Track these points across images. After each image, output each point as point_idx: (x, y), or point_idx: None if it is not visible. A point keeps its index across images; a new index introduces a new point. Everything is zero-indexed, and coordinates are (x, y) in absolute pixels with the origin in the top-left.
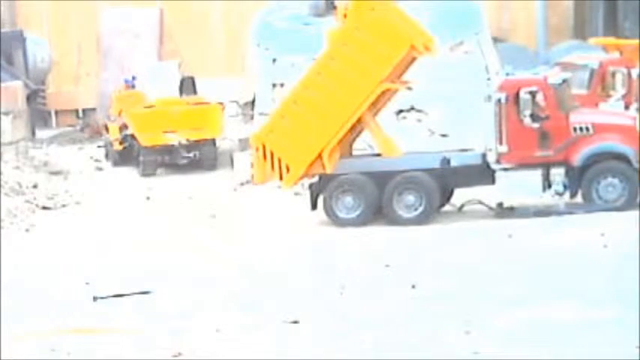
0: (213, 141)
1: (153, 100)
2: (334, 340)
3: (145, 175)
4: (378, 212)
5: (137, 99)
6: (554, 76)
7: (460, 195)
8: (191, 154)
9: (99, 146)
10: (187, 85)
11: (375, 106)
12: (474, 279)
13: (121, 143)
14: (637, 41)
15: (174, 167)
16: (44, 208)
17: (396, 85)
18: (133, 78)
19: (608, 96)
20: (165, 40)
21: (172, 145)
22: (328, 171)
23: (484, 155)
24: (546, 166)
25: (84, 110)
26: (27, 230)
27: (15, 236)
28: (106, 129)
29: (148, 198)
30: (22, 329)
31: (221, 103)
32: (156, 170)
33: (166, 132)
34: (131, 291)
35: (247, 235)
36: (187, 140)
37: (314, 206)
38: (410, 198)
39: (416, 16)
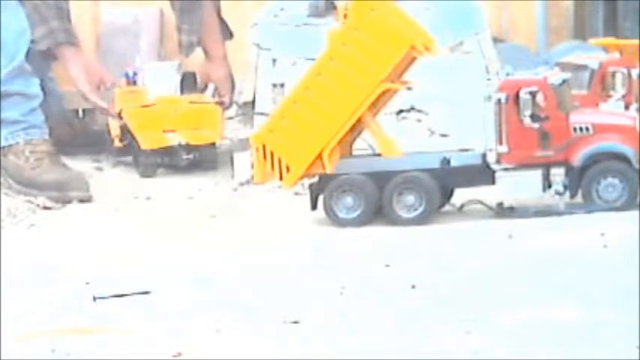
0: (213, 143)
1: (152, 99)
2: (334, 340)
3: (144, 176)
4: (379, 212)
5: (139, 96)
6: (554, 76)
7: (460, 195)
8: (191, 156)
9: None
10: (188, 82)
11: (375, 106)
12: (473, 279)
13: (120, 141)
14: (637, 41)
15: (174, 168)
16: (45, 208)
17: (396, 85)
18: (134, 73)
19: (608, 96)
20: (165, 40)
21: (172, 147)
22: (328, 171)
23: (484, 155)
24: (546, 166)
25: (84, 110)
26: (27, 229)
27: (15, 236)
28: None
29: (148, 198)
30: (22, 329)
31: (221, 103)
32: (155, 172)
33: (166, 131)
34: (131, 290)
35: (246, 234)
36: (187, 142)
37: (314, 206)
38: (410, 198)
39: (416, 16)
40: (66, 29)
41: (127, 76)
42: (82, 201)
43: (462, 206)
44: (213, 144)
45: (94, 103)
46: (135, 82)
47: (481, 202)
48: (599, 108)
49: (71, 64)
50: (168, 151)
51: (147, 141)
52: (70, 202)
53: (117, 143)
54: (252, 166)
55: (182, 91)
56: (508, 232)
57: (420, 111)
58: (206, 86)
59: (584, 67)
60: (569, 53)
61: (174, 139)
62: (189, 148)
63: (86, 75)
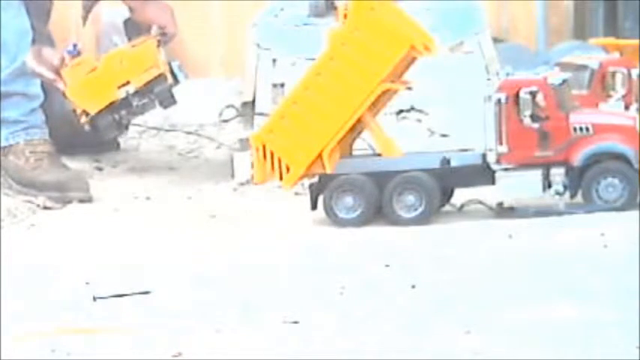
0: (163, 78)
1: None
2: (334, 340)
3: (108, 139)
4: (379, 212)
5: (86, 65)
6: (554, 76)
7: (460, 195)
8: (145, 99)
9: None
10: (131, 29)
11: (375, 106)
12: (473, 279)
13: (86, 115)
14: (637, 41)
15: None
16: (45, 208)
17: (396, 85)
18: (75, 45)
19: (608, 96)
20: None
21: (122, 99)
22: (328, 171)
23: (484, 155)
24: (546, 166)
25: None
26: (27, 229)
27: (15, 236)
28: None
29: (148, 198)
30: (22, 329)
31: (163, 34)
32: (119, 131)
33: (121, 86)
34: (131, 290)
35: (246, 235)
36: (136, 88)
37: (314, 206)
38: (410, 198)
39: (416, 16)
40: None
41: (69, 52)
42: (82, 201)
43: (462, 206)
44: (161, 77)
45: (50, 79)
46: (79, 54)
47: (481, 202)
48: (599, 108)
49: None
50: (121, 104)
51: (91, 104)
52: (70, 202)
53: (86, 124)
54: (252, 166)
55: (129, 39)
56: (508, 232)
57: (420, 111)
58: (150, 26)
59: (584, 67)
60: (569, 53)
61: (121, 92)
62: (141, 93)
63: (37, 57)
